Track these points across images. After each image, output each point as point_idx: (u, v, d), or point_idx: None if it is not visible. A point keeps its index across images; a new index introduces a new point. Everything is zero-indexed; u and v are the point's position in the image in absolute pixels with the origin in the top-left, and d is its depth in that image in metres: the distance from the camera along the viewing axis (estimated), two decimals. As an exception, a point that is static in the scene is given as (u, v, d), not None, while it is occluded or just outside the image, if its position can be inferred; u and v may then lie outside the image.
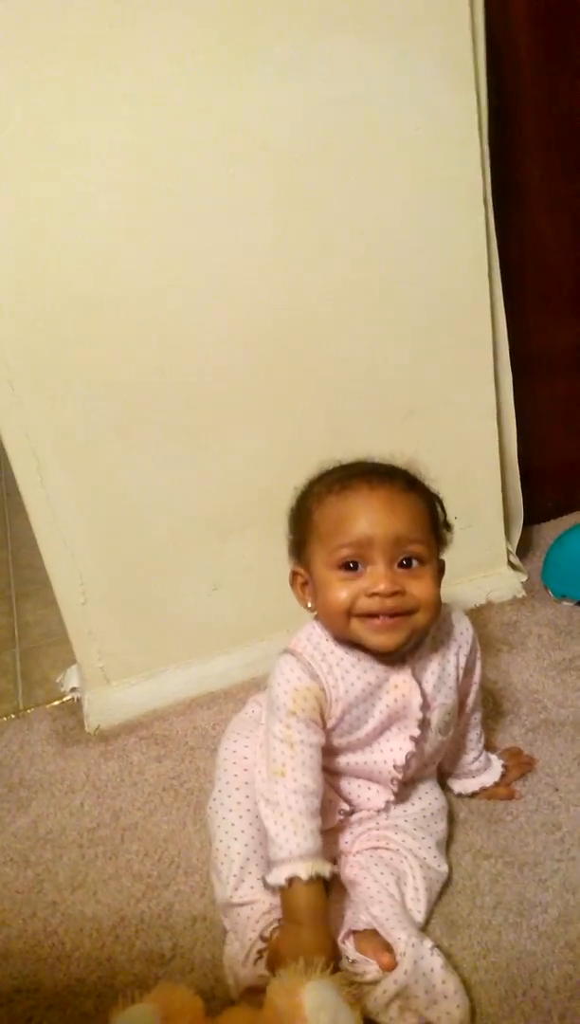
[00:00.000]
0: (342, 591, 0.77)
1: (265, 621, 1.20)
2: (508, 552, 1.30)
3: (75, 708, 1.19)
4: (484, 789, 0.91)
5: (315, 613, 0.83)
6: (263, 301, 1.04)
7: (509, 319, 1.20)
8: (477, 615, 1.25)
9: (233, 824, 0.82)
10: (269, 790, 0.76)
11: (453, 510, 1.23)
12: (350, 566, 0.77)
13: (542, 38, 1.18)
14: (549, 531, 1.38)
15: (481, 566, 1.28)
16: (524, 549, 1.38)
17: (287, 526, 0.86)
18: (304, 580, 0.83)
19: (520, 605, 1.26)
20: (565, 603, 1.23)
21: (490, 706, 1.05)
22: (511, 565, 1.30)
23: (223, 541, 1.14)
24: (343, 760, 0.83)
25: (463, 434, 1.20)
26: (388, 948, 0.71)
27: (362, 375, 1.12)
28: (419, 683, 0.81)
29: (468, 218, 1.09)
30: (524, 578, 1.29)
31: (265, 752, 0.79)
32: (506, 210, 1.21)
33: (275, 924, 0.74)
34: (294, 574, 0.84)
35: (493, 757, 0.93)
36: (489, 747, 0.95)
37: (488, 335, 1.16)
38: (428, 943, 0.71)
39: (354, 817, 0.84)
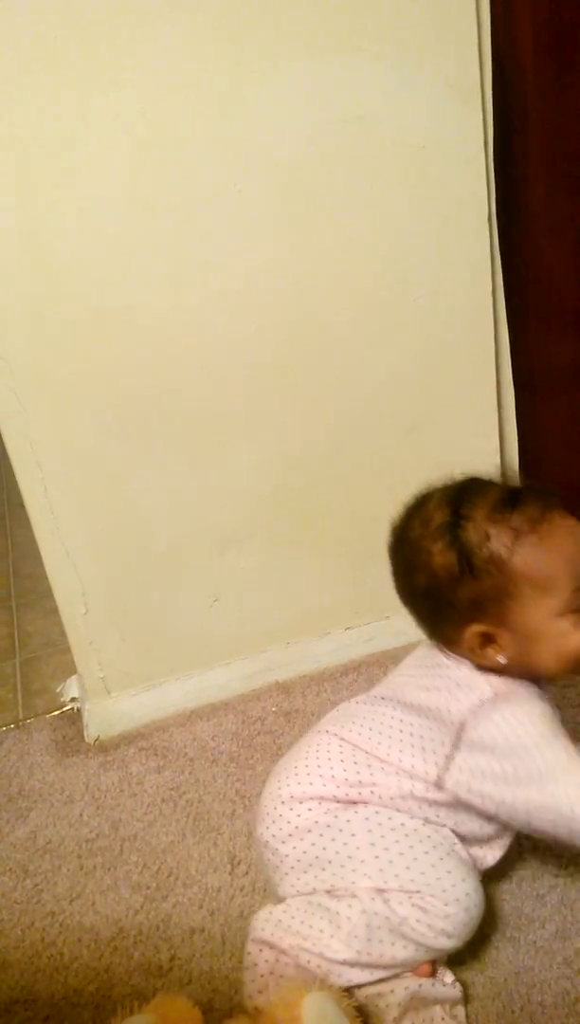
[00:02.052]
0: (575, 637, 0.72)
1: (265, 633, 1.21)
2: (508, 567, 1.30)
3: (75, 718, 1.20)
4: None
5: (501, 666, 0.74)
6: (267, 315, 1.05)
7: (511, 337, 1.21)
8: (477, 630, 1.26)
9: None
10: None
11: (454, 525, 1.25)
12: None
13: (548, 62, 1.19)
14: (549, 547, 1.39)
15: (481, 581, 1.29)
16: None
17: (442, 587, 0.72)
18: (484, 637, 0.73)
19: (520, 620, 1.26)
20: (564, 619, 1.24)
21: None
22: (511, 580, 1.30)
23: (224, 552, 1.14)
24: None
25: (465, 450, 1.21)
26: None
27: (364, 390, 1.13)
28: None
29: (472, 237, 1.10)
30: (524, 593, 1.29)
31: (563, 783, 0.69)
32: (510, 229, 1.22)
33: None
34: (478, 636, 0.73)
35: None
36: None
37: (491, 352, 1.17)
38: (450, 976, 0.73)
39: None
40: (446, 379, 1.16)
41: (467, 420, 1.20)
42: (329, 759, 0.79)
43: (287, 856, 0.76)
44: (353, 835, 0.74)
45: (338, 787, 0.77)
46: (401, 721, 0.78)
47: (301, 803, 0.77)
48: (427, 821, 0.76)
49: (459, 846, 0.75)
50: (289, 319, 1.06)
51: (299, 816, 0.77)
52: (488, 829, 0.77)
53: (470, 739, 0.73)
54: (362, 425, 1.15)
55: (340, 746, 0.79)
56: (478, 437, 1.21)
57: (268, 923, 0.73)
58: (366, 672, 1.19)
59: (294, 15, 0.95)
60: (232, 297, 1.03)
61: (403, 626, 1.26)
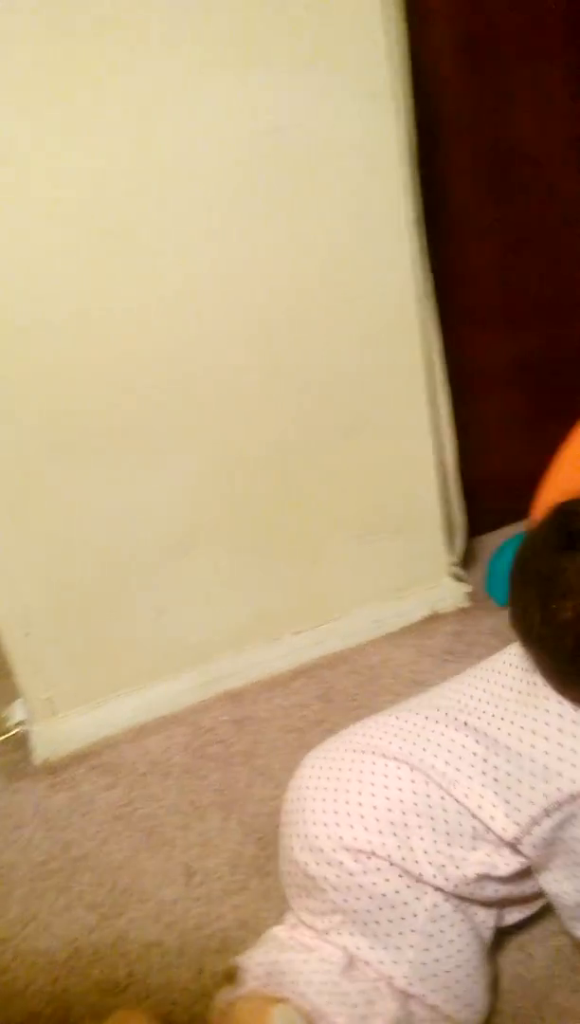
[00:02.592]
0: None
1: (213, 642, 1.20)
2: (452, 564, 1.32)
3: (22, 742, 1.17)
4: None
5: None
6: (199, 326, 1.05)
7: (447, 338, 1.23)
8: (423, 627, 1.27)
9: None
10: None
11: (396, 525, 1.26)
12: None
13: (466, 66, 1.22)
14: (493, 541, 1.40)
15: (425, 579, 1.30)
16: (470, 560, 1.40)
17: None
18: None
19: (465, 615, 1.28)
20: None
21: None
22: (455, 576, 1.32)
23: (168, 563, 1.14)
24: None
25: (402, 451, 1.22)
26: None
27: (301, 395, 1.14)
28: None
29: (397, 241, 1.11)
30: (469, 589, 1.31)
31: None
32: (438, 234, 1.24)
33: None
34: None
35: None
36: None
37: (420, 355, 1.18)
38: None
39: None
40: (379, 382, 1.17)
41: (403, 422, 1.21)
42: (400, 799, 0.70)
43: (333, 902, 0.70)
44: (413, 931, 0.68)
45: (415, 858, 0.69)
46: (485, 762, 0.69)
47: (368, 859, 0.69)
48: (483, 908, 0.72)
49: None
50: (220, 330, 1.06)
51: (365, 875, 0.69)
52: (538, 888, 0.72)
53: (575, 811, 0.66)
54: (301, 429, 1.16)
55: (412, 779, 0.71)
56: (414, 438, 1.23)
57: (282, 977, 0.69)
58: (317, 675, 1.20)
59: (212, 28, 0.96)
60: (162, 307, 1.03)
61: (353, 627, 1.28)
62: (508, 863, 0.68)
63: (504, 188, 1.29)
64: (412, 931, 0.68)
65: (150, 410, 1.06)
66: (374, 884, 0.69)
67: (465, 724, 0.71)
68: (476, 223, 1.30)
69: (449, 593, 1.31)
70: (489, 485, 1.43)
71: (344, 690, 1.15)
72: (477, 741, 0.70)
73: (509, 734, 0.68)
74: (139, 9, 0.92)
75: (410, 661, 1.19)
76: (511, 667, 0.73)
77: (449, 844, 0.69)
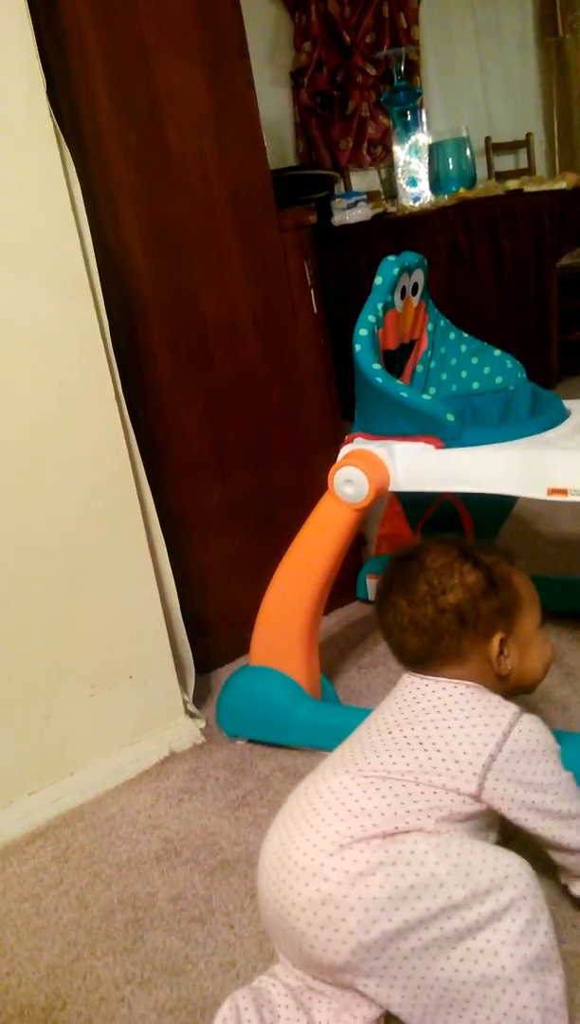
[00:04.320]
0: (548, 645, 0.92)
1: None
2: (185, 702, 1.38)
3: None
4: None
5: (504, 676, 0.89)
6: None
7: (165, 491, 1.34)
8: (161, 768, 1.31)
9: None
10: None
11: (128, 671, 1.32)
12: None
13: (158, 261, 1.39)
14: (224, 676, 1.50)
15: (161, 720, 1.35)
16: (204, 695, 1.48)
17: (475, 600, 0.87)
18: (502, 644, 0.88)
19: (200, 751, 1.34)
20: (239, 742, 1.34)
21: (173, 857, 1.10)
22: (189, 714, 1.38)
23: None
24: None
25: (127, 599, 1.29)
26: None
27: (20, 553, 1.18)
28: None
29: (102, 413, 1.22)
30: (202, 724, 1.38)
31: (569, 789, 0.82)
32: (149, 403, 1.38)
33: None
34: (500, 643, 0.88)
35: None
36: None
37: (136, 508, 1.28)
38: None
39: None
40: (97, 536, 1.24)
41: (125, 572, 1.28)
42: (358, 801, 0.78)
43: (360, 899, 0.72)
44: (426, 852, 0.73)
45: (386, 821, 0.76)
46: (428, 738, 0.82)
47: (350, 848, 0.74)
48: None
49: None
50: None
51: (355, 862, 0.73)
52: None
53: (510, 748, 0.80)
54: (23, 585, 1.19)
55: (365, 784, 0.79)
56: (138, 586, 1.31)
57: None
58: (53, 835, 1.19)
59: None
60: None
61: (90, 779, 1.29)
62: (478, 805, 0.80)
63: (201, 360, 1.46)
64: (426, 854, 0.73)
65: None
66: (366, 862, 0.73)
67: (397, 725, 0.85)
68: (181, 390, 1.45)
69: (185, 731, 1.37)
70: (215, 623, 1.54)
71: (81, 847, 1.16)
72: (413, 729, 0.84)
73: (434, 717, 0.84)
74: None
75: (148, 806, 1.22)
76: (398, 695, 0.90)
77: (418, 809, 0.77)
